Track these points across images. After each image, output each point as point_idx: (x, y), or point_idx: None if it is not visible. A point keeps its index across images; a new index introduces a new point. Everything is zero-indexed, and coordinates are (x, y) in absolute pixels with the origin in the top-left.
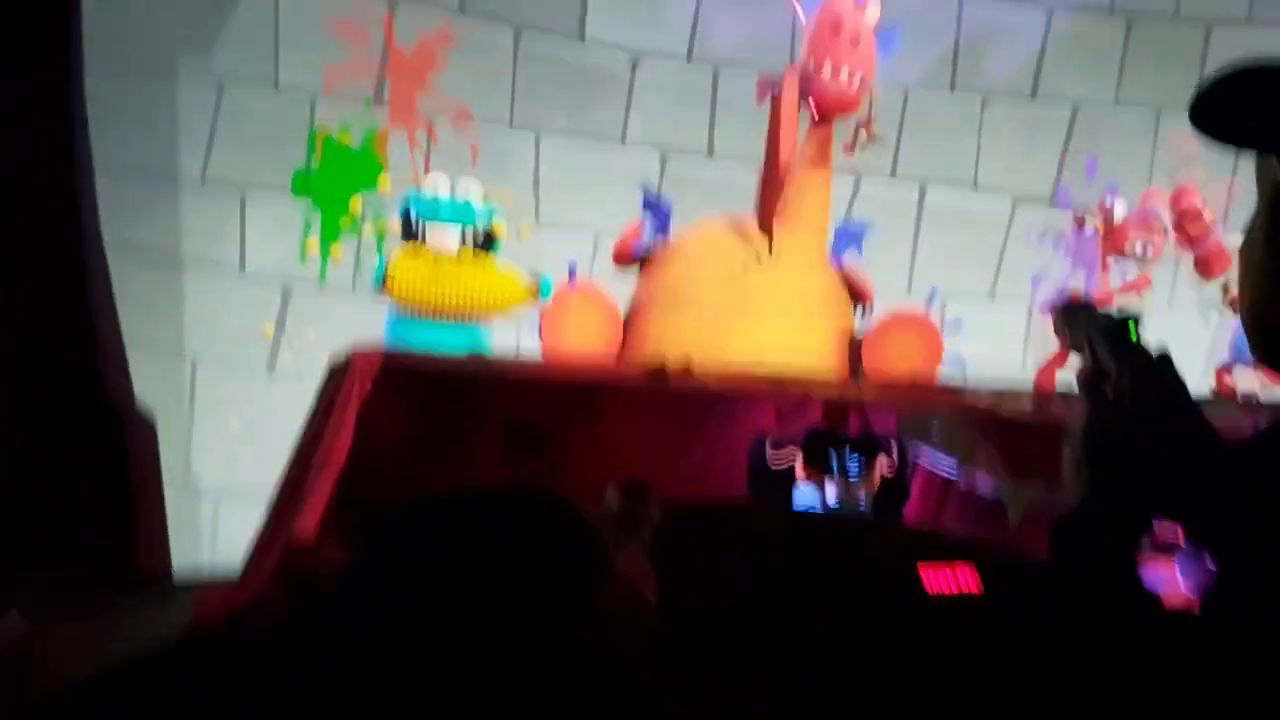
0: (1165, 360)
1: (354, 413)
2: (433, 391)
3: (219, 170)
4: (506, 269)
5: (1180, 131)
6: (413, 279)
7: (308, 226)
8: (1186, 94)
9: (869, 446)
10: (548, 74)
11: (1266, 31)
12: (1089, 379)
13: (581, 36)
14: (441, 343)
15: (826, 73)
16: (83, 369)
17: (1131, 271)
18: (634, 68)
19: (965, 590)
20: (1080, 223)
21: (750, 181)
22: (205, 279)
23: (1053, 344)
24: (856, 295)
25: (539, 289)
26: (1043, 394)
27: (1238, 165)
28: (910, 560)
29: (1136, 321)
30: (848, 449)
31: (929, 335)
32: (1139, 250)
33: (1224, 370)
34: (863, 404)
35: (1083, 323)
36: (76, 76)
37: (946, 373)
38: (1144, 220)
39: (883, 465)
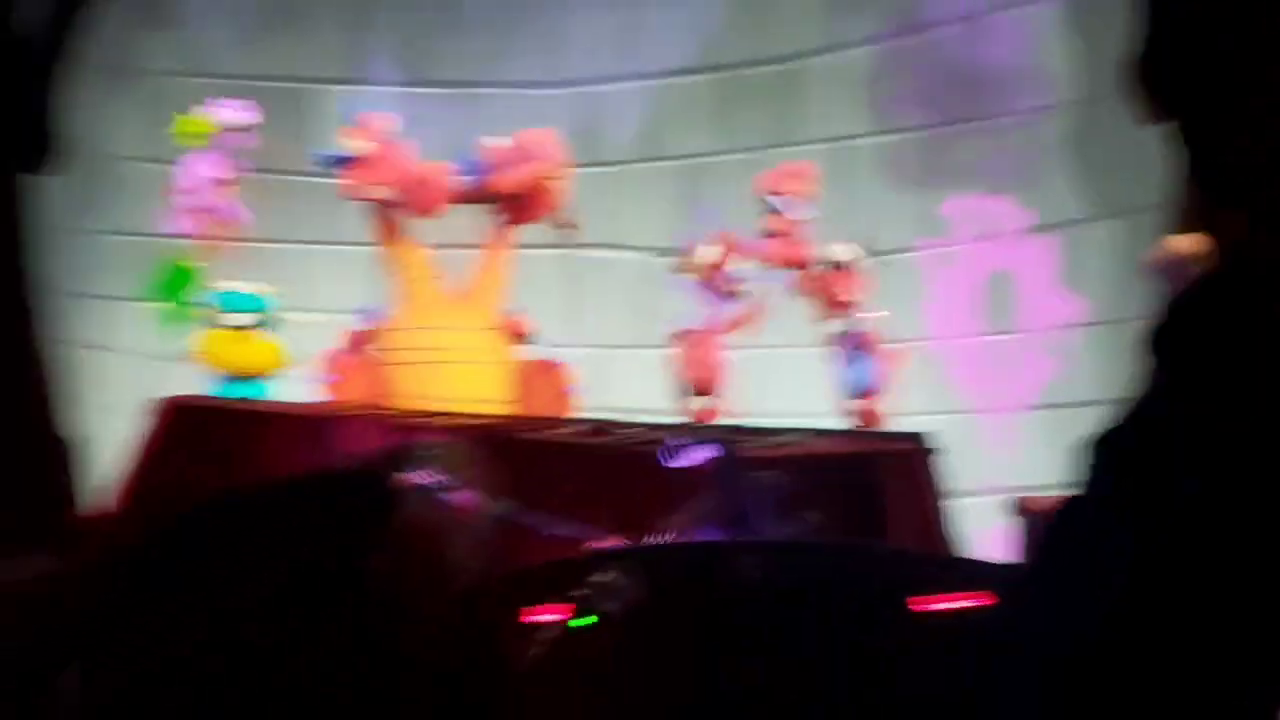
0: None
1: (159, 434)
2: (218, 422)
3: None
4: (272, 343)
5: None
6: (211, 352)
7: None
8: (781, 133)
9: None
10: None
11: (850, 54)
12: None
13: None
14: (241, 393)
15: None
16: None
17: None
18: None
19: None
20: (700, 268)
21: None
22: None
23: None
24: (518, 339)
25: (288, 358)
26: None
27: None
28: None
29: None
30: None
31: (556, 377)
32: (737, 289)
33: (860, 398)
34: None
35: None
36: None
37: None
38: (738, 258)
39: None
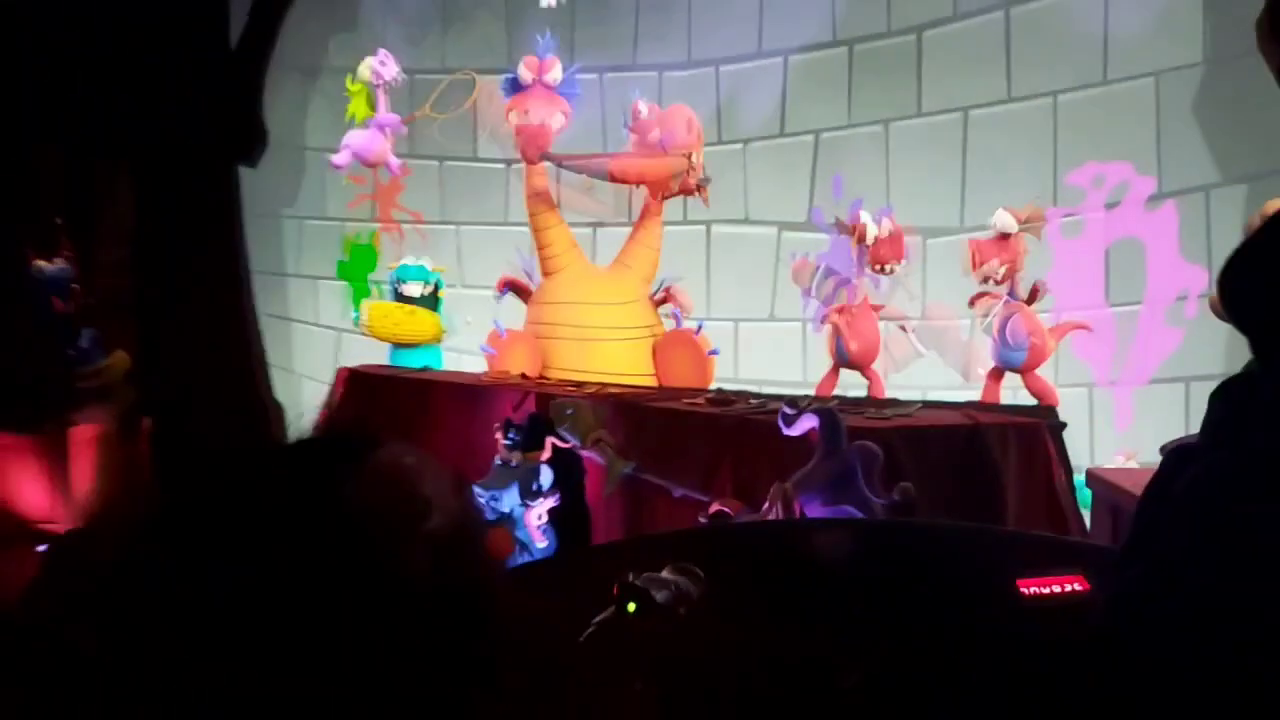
0: None
1: (334, 399)
2: (385, 388)
3: (304, 268)
4: (432, 315)
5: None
6: (375, 323)
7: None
8: (907, 104)
9: (537, 427)
10: (459, 184)
11: (975, 22)
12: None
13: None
14: (412, 361)
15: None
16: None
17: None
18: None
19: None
20: (853, 231)
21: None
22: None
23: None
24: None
25: (450, 330)
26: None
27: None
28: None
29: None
30: (514, 428)
31: (695, 348)
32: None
33: (994, 374)
34: (536, 395)
35: None
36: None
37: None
38: (898, 239)
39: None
